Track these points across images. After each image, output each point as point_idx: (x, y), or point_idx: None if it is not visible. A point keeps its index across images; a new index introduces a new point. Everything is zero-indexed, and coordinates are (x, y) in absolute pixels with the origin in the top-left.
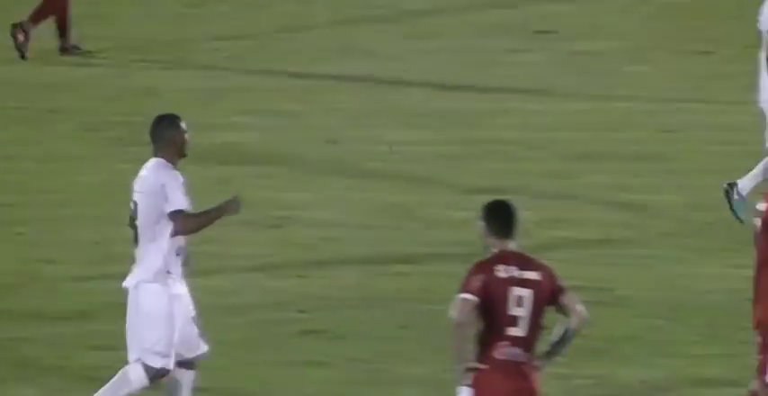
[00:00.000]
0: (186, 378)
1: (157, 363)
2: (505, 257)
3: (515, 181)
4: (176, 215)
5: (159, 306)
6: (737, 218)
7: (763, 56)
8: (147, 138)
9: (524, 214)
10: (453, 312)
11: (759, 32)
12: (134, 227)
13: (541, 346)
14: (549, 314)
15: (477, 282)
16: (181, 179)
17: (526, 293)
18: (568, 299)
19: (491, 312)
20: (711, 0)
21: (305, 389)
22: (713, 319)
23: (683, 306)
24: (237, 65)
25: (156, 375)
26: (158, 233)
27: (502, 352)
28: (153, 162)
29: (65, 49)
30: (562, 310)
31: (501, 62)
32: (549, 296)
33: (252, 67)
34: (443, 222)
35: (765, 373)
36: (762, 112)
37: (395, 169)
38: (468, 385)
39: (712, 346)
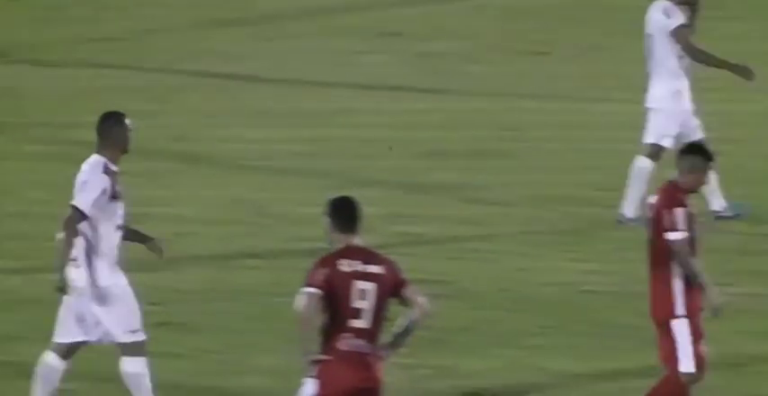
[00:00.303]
0: (61, 367)
1: (137, 338)
2: (349, 252)
3: (362, 177)
4: (71, 209)
5: (113, 293)
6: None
7: (655, 59)
8: (7, 136)
9: (369, 210)
10: (299, 306)
11: (646, 36)
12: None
13: (385, 337)
14: (393, 306)
15: (321, 276)
16: (104, 186)
17: (369, 287)
18: (411, 292)
19: (335, 305)
20: (549, 3)
21: (159, 379)
22: (550, 311)
23: (522, 298)
24: (95, 66)
25: (142, 349)
26: (94, 226)
27: (345, 343)
28: (93, 159)
29: None
30: (405, 302)
31: (349, 63)
32: (391, 289)
33: (109, 68)
34: (294, 218)
35: (679, 363)
36: (648, 112)
37: (248, 166)
38: (314, 376)
39: (550, 336)
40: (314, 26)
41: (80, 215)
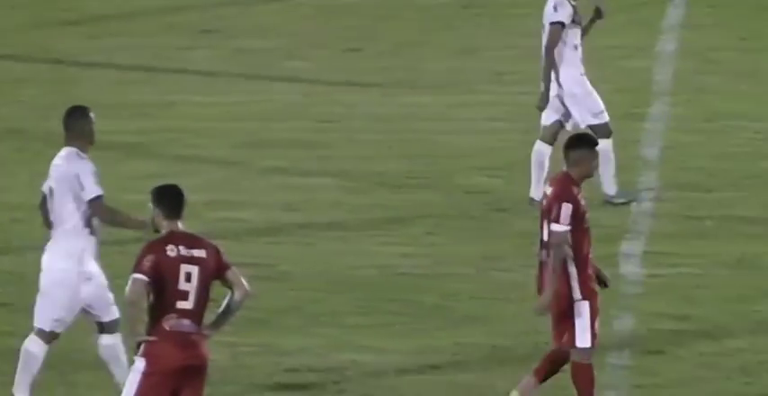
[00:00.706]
0: (107, 340)
1: (53, 327)
2: (174, 237)
3: (186, 167)
4: (95, 202)
5: (66, 282)
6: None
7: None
8: None
9: (193, 197)
10: (127, 291)
11: (543, 27)
12: (45, 210)
13: (209, 317)
14: (218, 288)
15: (148, 262)
16: (93, 168)
17: (194, 270)
18: (233, 274)
19: (162, 288)
20: (362, 2)
21: None
22: (366, 293)
23: (339, 281)
24: None
25: (50, 338)
26: (71, 216)
27: (171, 324)
28: (65, 151)
29: None
30: (227, 284)
31: (175, 58)
32: (215, 272)
33: None
34: (119, 205)
35: (576, 339)
36: (561, 99)
37: None
38: (143, 355)
39: (365, 316)
40: (138, 25)
41: (101, 199)
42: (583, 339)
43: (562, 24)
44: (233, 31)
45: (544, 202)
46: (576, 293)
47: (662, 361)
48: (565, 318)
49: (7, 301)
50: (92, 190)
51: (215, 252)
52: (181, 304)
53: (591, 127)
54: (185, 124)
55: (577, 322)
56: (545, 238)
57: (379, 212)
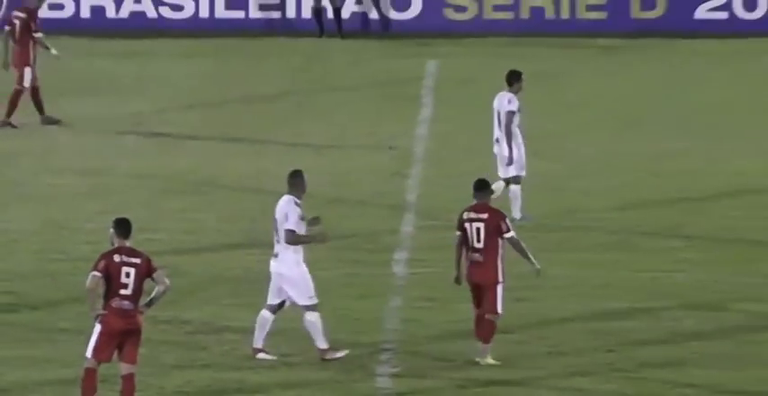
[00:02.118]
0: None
1: (313, 301)
2: (120, 250)
3: (124, 208)
4: (287, 232)
5: (300, 273)
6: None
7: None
8: None
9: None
10: (87, 282)
11: (495, 112)
12: (277, 232)
13: (143, 301)
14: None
15: (101, 264)
16: (299, 211)
17: (131, 270)
18: (158, 274)
19: (111, 281)
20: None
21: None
22: (234, 284)
23: (219, 276)
24: None
25: (317, 307)
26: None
27: (116, 303)
28: (286, 197)
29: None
30: (155, 280)
31: (106, 145)
32: (146, 272)
33: None
34: (83, 231)
35: (497, 307)
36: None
37: (49, 195)
38: (99, 323)
39: (235, 298)
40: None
41: (294, 232)
42: (501, 308)
43: (514, 112)
44: (150, 126)
45: (479, 224)
46: (501, 277)
47: (415, 325)
48: (491, 294)
49: (11, 290)
50: (289, 224)
51: (147, 259)
52: (122, 291)
53: (512, 176)
54: (115, 180)
55: (498, 297)
56: (479, 245)
57: (239, 237)
